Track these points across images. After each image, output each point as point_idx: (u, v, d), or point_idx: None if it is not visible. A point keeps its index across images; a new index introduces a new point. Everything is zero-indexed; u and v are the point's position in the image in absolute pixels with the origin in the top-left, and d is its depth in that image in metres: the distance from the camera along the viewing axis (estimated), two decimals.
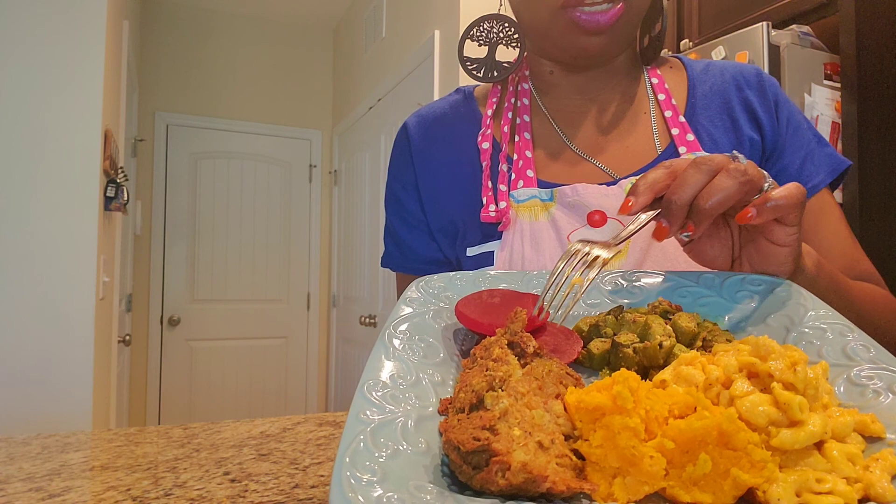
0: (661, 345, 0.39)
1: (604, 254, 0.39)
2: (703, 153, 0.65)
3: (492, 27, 0.74)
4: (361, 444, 0.30)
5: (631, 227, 0.44)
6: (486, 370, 0.35)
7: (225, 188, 3.80)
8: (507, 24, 0.73)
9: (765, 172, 0.44)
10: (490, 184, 0.69)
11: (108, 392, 2.31)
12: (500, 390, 0.33)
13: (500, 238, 0.67)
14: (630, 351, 0.40)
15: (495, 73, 0.74)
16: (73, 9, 1.91)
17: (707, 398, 0.33)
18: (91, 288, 1.91)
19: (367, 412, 0.33)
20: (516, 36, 0.73)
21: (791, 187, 0.43)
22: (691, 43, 2.06)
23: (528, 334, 0.39)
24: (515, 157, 0.69)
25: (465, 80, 2.26)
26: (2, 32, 1.83)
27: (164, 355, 3.62)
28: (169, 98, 3.69)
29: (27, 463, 0.61)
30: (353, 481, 0.27)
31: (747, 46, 1.74)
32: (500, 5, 0.76)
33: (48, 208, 1.86)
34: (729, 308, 0.46)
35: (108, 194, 2.08)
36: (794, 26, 1.74)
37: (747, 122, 0.68)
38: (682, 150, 0.66)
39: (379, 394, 0.34)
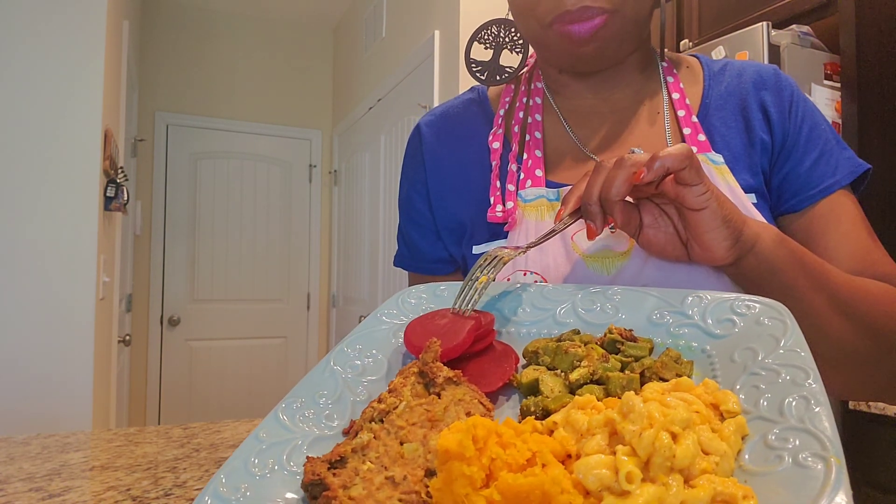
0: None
1: (506, 256, 0.48)
2: (712, 154, 0.64)
3: (499, 31, 0.74)
4: (244, 463, 0.33)
5: (554, 228, 0.51)
6: (379, 401, 0.38)
7: (225, 188, 3.79)
8: (513, 30, 0.73)
9: (658, 154, 0.48)
10: (498, 183, 0.69)
11: (108, 392, 2.31)
12: (376, 422, 0.36)
13: (506, 237, 0.67)
14: (546, 389, 0.41)
15: (497, 77, 0.74)
16: (73, 9, 1.91)
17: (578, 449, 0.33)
18: (91, 288, 1.91)
19: (266, 432, 0.35)
20: (521, 41, 0.73)
21: (677, 146, 0.48)
22: (691, 43, 2.06)
23: (440, 364, 0.41)
24: (525, 156, 0.69)
25: (464, 81, 2.25)
26: (2, 32, 1.83)
27: (164, 355, 3.62)
28: (169, 98, 3.69)
29: (27, 463, 0.61)
30: (207, 499, 0.30)
31: (747, 46, 1.73)
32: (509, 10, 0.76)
33: (48, 208, 1.86)
34: (703, 337, 0.43)
35: (108, 194, 2.08)
36: (793, 26, 1.74)
37: (761, 122, 0.67)
38: (692, 150, 0.65)
39: (292, 412, 0.37)
